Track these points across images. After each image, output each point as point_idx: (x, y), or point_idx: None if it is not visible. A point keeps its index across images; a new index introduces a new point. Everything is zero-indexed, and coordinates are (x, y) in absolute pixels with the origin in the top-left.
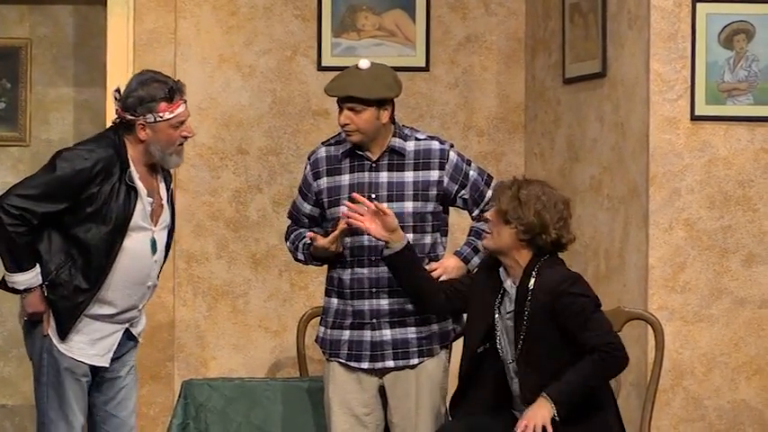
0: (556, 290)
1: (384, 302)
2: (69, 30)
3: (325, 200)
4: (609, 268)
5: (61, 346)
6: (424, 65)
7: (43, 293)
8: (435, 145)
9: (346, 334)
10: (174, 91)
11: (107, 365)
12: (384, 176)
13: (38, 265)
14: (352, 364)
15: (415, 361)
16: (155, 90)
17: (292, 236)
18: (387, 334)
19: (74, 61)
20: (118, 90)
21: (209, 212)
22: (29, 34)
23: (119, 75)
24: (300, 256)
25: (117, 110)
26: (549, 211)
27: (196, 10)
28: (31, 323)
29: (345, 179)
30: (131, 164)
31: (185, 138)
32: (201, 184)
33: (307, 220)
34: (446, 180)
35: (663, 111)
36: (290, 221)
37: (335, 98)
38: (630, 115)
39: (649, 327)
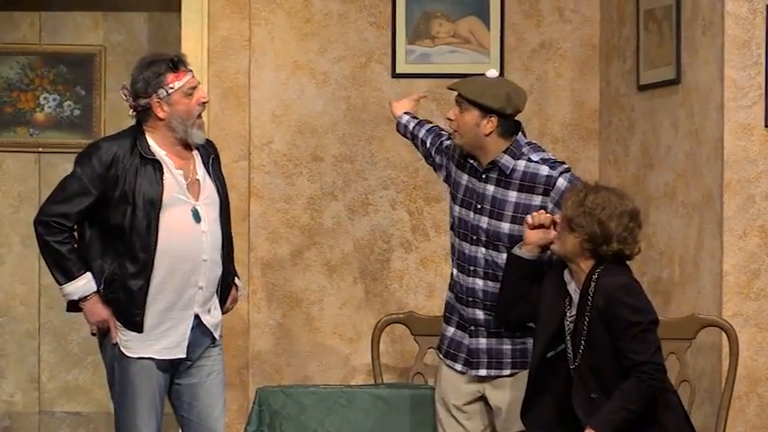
0: (610, 297)
1: (480, 313)
2: (143, 37)
3: (451, 186)
4: (683, 275)
5: (129, 352)
6: (498, 72)
7: (102, 300)
8: (544, 170)
9: (450, 331)
10: (176, 62)
11: (184, 356)
12: (491, 190)
13: (88, 273)
14: (448, 362)
15: (508, 372)
16: (157, 67)
17: (425, 125)
18: (483, 342)
19: None
20: (125, 86)
21: (283, 219)
22: (103, 41)
23: None
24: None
25: (130, 104)
26: (613, 221)
27: (270, 17)
28: (102, 334)
29: (464, 179)
30: (152, 143)
31: (202, 104)
32: (276, 191)
33: (442, 139)
34: (550, 206)
35: (737, 117)
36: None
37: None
38: (705, 122)
39: (724, 334)
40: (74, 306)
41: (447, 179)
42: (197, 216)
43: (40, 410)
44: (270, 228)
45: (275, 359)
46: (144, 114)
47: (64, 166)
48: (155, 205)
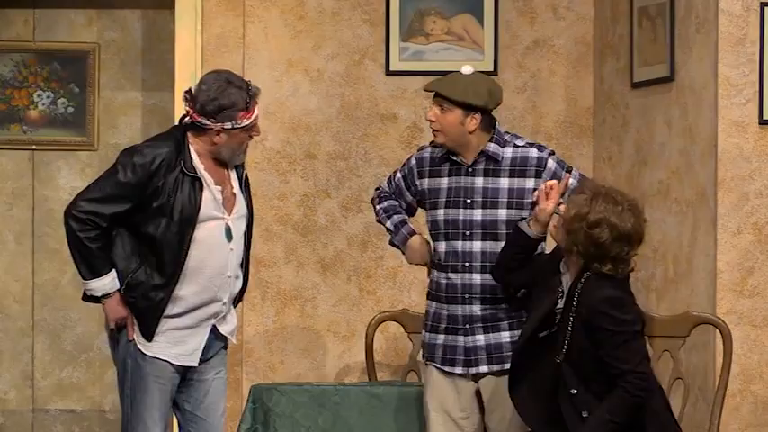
0: (595, 308)
1: (476, 308)
2: (137, 34)
3: (427, 201)
4: (677, 273)
5: (146, 350)
6: (492, 69)
7: (122, 298)
8: (533, 152)
9: (441, 338)
10: (252, 98)
11: (195, 365)
12: (480, 182)
13: (113, 271)
14: (446, 368)
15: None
16: (235, 98)
17: (386, 204)
18: (480, 339)
19: (142, 66)
20: (189, 91)
21: (277, 217)
22: (97, 39)
23: (186, 79)
24: (389, 225)
25: (190, 112)
26: (610, 244)
27: (264, 14)
28: (118, 329)
29: (444, 182)
30: (194, 156)
31: (252, 137)
32: (270, 188)
33: (405, 206)
34: None
35: (731, 115)
36: (387, 189)
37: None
38: (698, 119)
39: (717, 331)
40: (92, 298)
41: (421, 201)
42: (229, 234)
43: (33, 408)
44: (263, 225)
45: (269, 357)
46: (198, 128)
47: (57, 163)
48: (190, 222)
